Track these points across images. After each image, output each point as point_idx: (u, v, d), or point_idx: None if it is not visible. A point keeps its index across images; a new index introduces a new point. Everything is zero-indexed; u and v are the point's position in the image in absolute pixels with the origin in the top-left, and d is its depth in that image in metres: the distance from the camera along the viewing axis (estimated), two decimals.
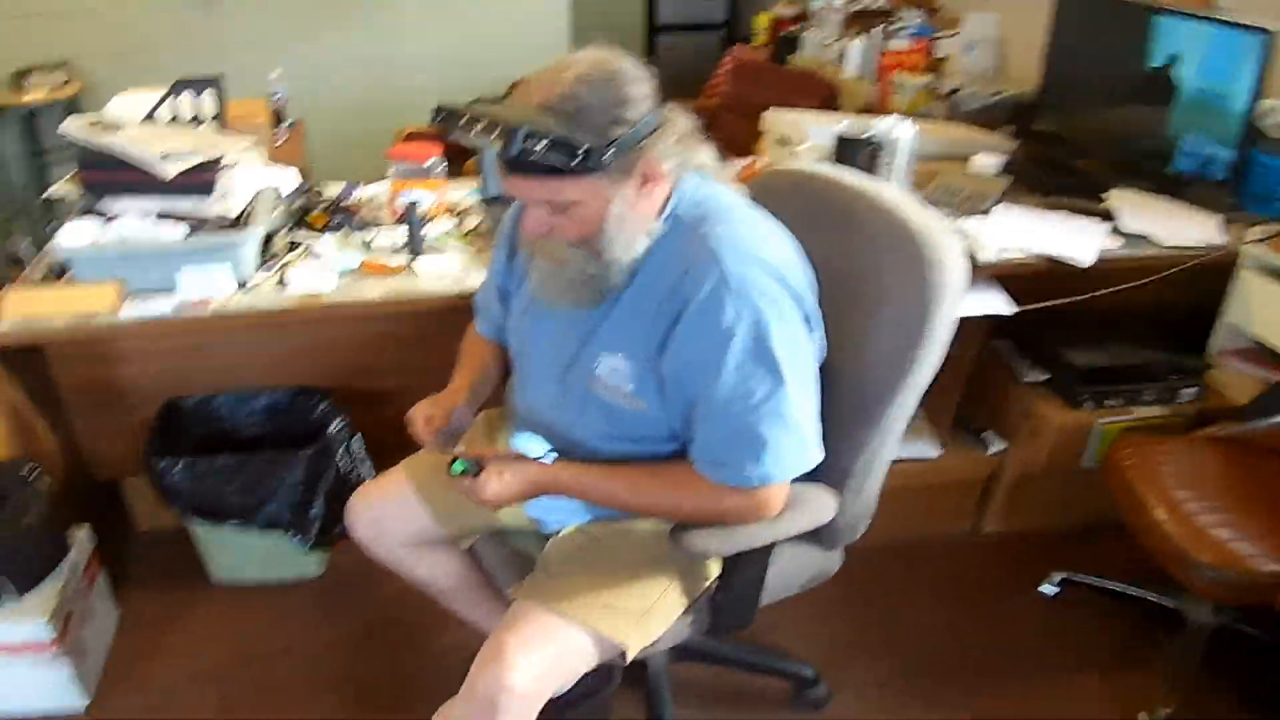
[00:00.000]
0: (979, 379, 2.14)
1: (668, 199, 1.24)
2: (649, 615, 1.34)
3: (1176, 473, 1.78)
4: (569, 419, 1.35)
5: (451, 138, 1.14)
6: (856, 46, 3.31)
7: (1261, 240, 1.96)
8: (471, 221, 2.07)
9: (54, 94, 3.85)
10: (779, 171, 1.61)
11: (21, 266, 2.04)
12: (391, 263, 1.90)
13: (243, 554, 2.11)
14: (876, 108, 3.09)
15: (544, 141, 1.06)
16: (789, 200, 1.43)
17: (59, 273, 1.92)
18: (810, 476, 1.37)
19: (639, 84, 1.14)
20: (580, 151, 1.08)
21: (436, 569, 1.65)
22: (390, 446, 2.00)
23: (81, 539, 1.93)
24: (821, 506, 1.35)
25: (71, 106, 3.92)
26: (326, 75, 4.10)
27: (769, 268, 1.19)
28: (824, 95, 3.11)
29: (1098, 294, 2.00)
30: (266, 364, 2.11)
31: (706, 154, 1.27)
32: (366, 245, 1.99)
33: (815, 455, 1.25)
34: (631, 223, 1.19)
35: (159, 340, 2.02)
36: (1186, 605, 1.90)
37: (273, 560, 2.12)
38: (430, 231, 1.98)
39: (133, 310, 1.77)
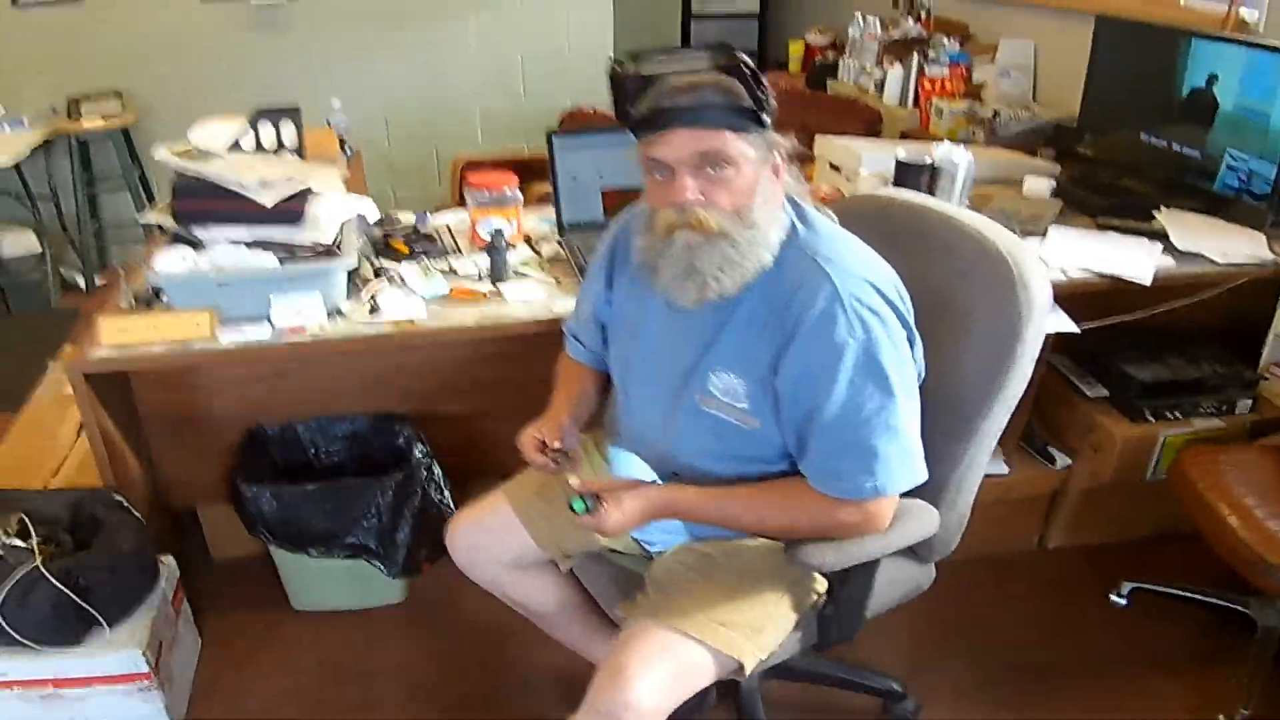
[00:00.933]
0: (1043, 396, 2.19)
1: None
2: (763, 630, 1.37)
3: (1242, 480, 1.84)
4: (678, 440, 1.39)
5: (645, 72, 1.20)
6: (895, 74, 3.39)
7: None
8: (548, 250, 2.13)
9: (108, 122, 3.92)
10: (860, 197, 1.68)
11: (79, 292, 2.05)
12: (479, 289, 1.95)
13: (325, 580, 2.13)
14: (916, 133, 3.16)
15: (748, 69, 1.13)
16: (875, 224, 1.49)
17: (146, 300, 1.94)
18: (910, 493, 1.43)
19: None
20: (762, 94, 1.15)
21: (537, 592, 1.67)
22: (471, 473, 2.11)
23: (169, 566, 1.96)
24: (925, 520, 1.40)
25: (125, 135, 4.00)
26: (374, 104, 4.15)
27: (877, 287, 1.25)
28: (868, 121, 3.19)
29: (1155, 310, 2.06)
30: (348, 391, 2.15)
31: (800, 180, 1.34)
32: (449, 272, 2.04)
33: (922, 471, 1.30)
34: (773, 201, 1.25)
35: (247, 367, 2.05)
36: (1256, 608, 1.94)
37: (356, 586, 2.14)
38: (511, 259, 2.04)
39: (230, 336, 1.80)
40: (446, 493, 2.11)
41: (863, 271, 1.26)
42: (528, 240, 2.18)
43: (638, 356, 1.44)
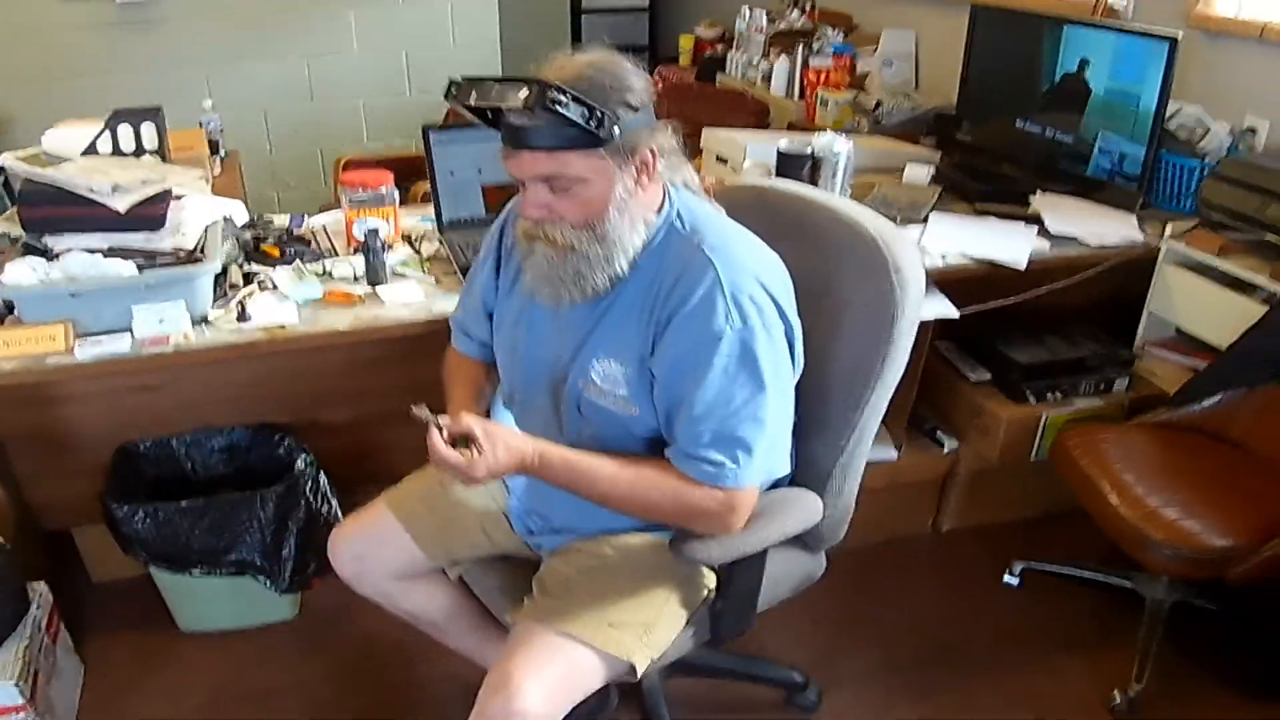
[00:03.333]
0: (929, 381, 2.23)
1: (660, 206, 1.29)
2: (653, 629, 1.36)
3: (1122, 457, 1.90)
4: (557, 427, 1.38)
5: (469, 103, 1.20)
6: (781, 66, 3.42)
7: (1179, 236, 2.09)
8: (428, 249, 2.07)
9: None
10: (739, 187, 1.68)
11: None
12: (354, 292, 1.89)
13: (211, 600, 2.05)
14: (803, 124, 3.20)
15: (565, 98, 1.11)
16: (751, 214, 1.48)
17: (0, 316, 1.84)
18: (792, 481, 1.44)
19: (640, 78, 1.22)
20: (596, 116, 1.14)
21: (426, 601, 1.63)
22: (357, 481, 2.03)
23: (41, 593, 1.86)
24: (809, 508, 1.40)
25: None
26: (253, 103, 4.01)
27: (760, 281, 1.25)
28: (756, 113, 3.21)
29: (1031, 294, 2.12)
30: (223, 402, 2.06)
31: (690, 170, 1.33)
32: (324, 275, 1.97)
33: (784, 466, 1.32)
34: (632, 208, 1.24)
35: (111, 380, 1.94)
36: (1142, 584, 2.01)
37: (243, 604, 2.06)
38: (389, 259, 1.98)
39: (88, 351, 1.70)
40: (334, 502, 2.04)
41: (748, 263, 1.26)
42: (407, 239, 2.12)
43: (523, 345, 1.41)
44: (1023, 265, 2.01)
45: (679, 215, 1.29)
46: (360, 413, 2.13)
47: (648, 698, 1.77)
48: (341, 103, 4.14)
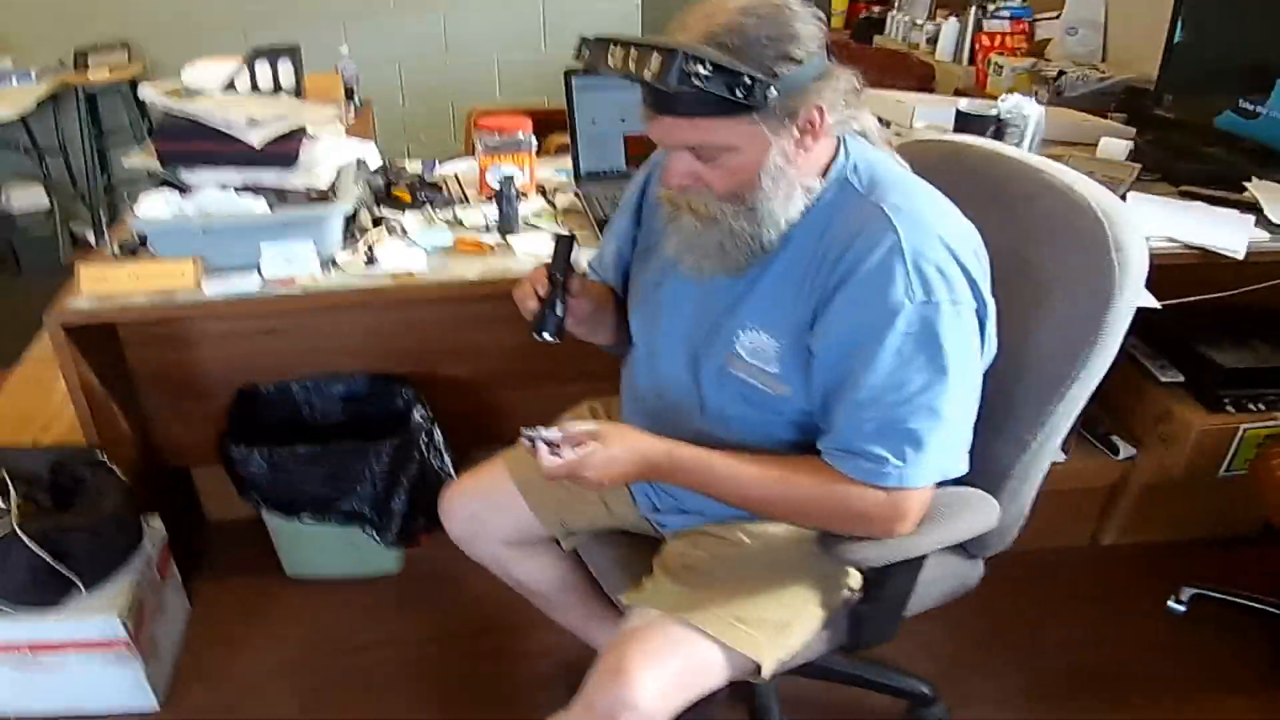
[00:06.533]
0: (1107, 378, 1.98)
1: (832, 160, 1.11)
2: (787, 629, 1.21)
3: None
4: (698, 405, 1.22)
5: (599, 69, 1.04)
6: (950, 28, 3.16)
7: None
8: (563, 201, 1.94)
9: (115, 74, 3.80)
10: (928, 141, 1.46)
11: (90, 248, 1.94)
12: (485, 241, 1.78)
13: (319, 547, 2.01)
14: (972, 92, 2.93)
15: (705, 69, 0.94)
16: (940, 175, 1.25)
17: (132, 249, 1.81)
18: (967, 480, 1.24)
19: (808, 23, 1.02)
20: (743, 84, 0.96)
21: (538, 571, 1.54)
22: (472, 441, 1.99)
23: (155, 529, 1.84)
24: (985, 512, 1.22)
25: (133, 87, 3.88)
26: (387, 55, 4.00)
27: (950, 248, 1.05)
28: (921, 77, 2.97)
29: (1245, 290, 1.85)
30: (345, 349, 2.01)
31: (870, 117, 1.14)
32: (454, 223, 1.87)
33: (961, 465, 1.11)
34: (789, 177, 1.06)
35: (238, 322, 1.93)
36: None
37: (350, 555, 2.02)
38: (522, 209, 1.86)
39: (215, 288, 1.66)
40: (448, 460, 1.97)
41: (937, 226, 1.06)
42: (542, 191, 2.00)
43: (662, 313, 1.26)
44: (1242, 253, 1.74)
45: (855, 170, 1.11)
46: (481, 370, 2.04)
47: (757, 695, 1.66)
48: (476, 57, 4.09)
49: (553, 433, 1.09)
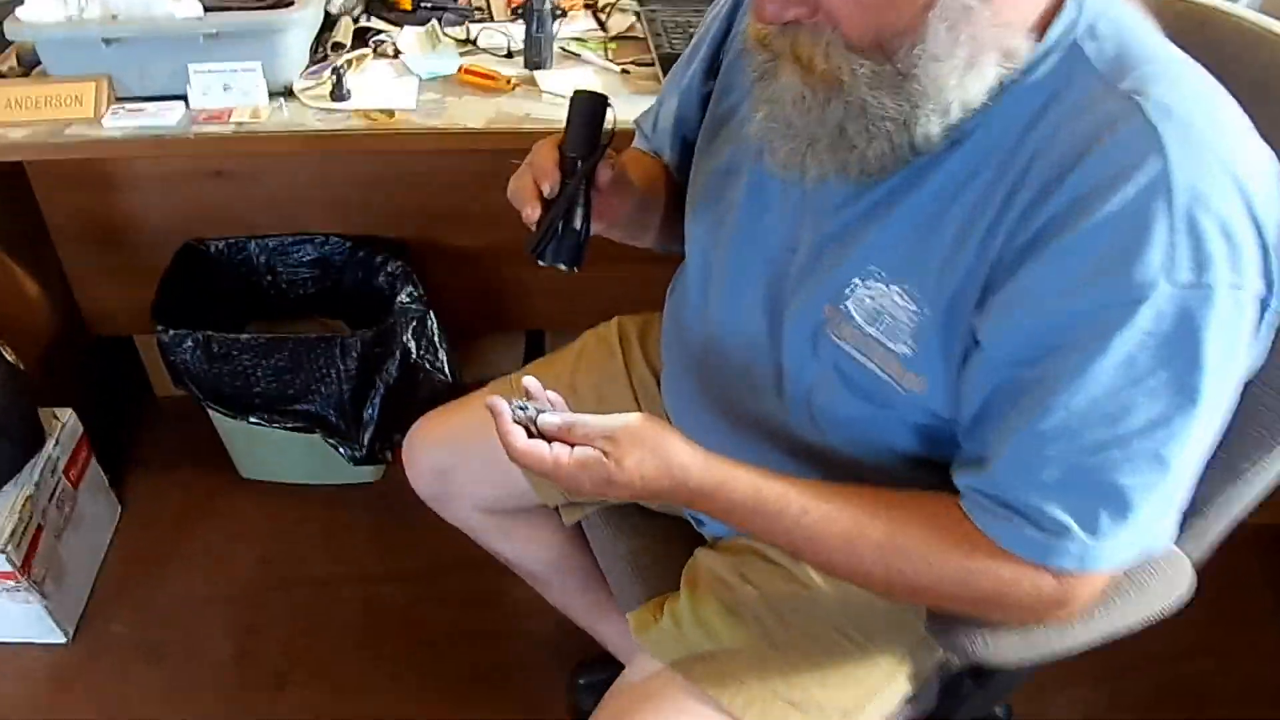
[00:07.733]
0: None
1: (1054, 10, 0.62)
2: (858, 714, 0.85)
3: None
4: (773, 378, 0.81)
5: None
6: None
7: None
8: (619, 23, 1.44)
9: None
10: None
11: None
12: (502, 73, 1.30)
13: (277, 449, 1.65)
14: None
15: None
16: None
17: (31, 67, 1.37)
18: None
19: None
20: None
21: (527, 546, 1.19)
22: (479, 332, 1.63)
23: (64, 424, 1.48)
24: (1175, 579, 0.83)
25: None
26: None
27: (1246, 191, 0.58)
28: None
29: None
30: (318, 204, 1.60)
31: None
32: (466, 44, 1.39)
33: (1169, 534, 0.68)
34: (976, 26, 0.59)
35: (173, 162, 1.51)
36: None
37: (316, 461, 1.65)
38: (561, 32, 1.37)
39: (120, 120, 1.24)
40: (443, 355, 1.56)
41: (1228, 149, 0.59)
42: (591, 7, 1.49)
43: (735, 218, 0.82)
44: None
45: (1092, 33, 0.62)
46: (492, 242, 1.62)
47: None
48: None
49: (551, 416, 0.69)
